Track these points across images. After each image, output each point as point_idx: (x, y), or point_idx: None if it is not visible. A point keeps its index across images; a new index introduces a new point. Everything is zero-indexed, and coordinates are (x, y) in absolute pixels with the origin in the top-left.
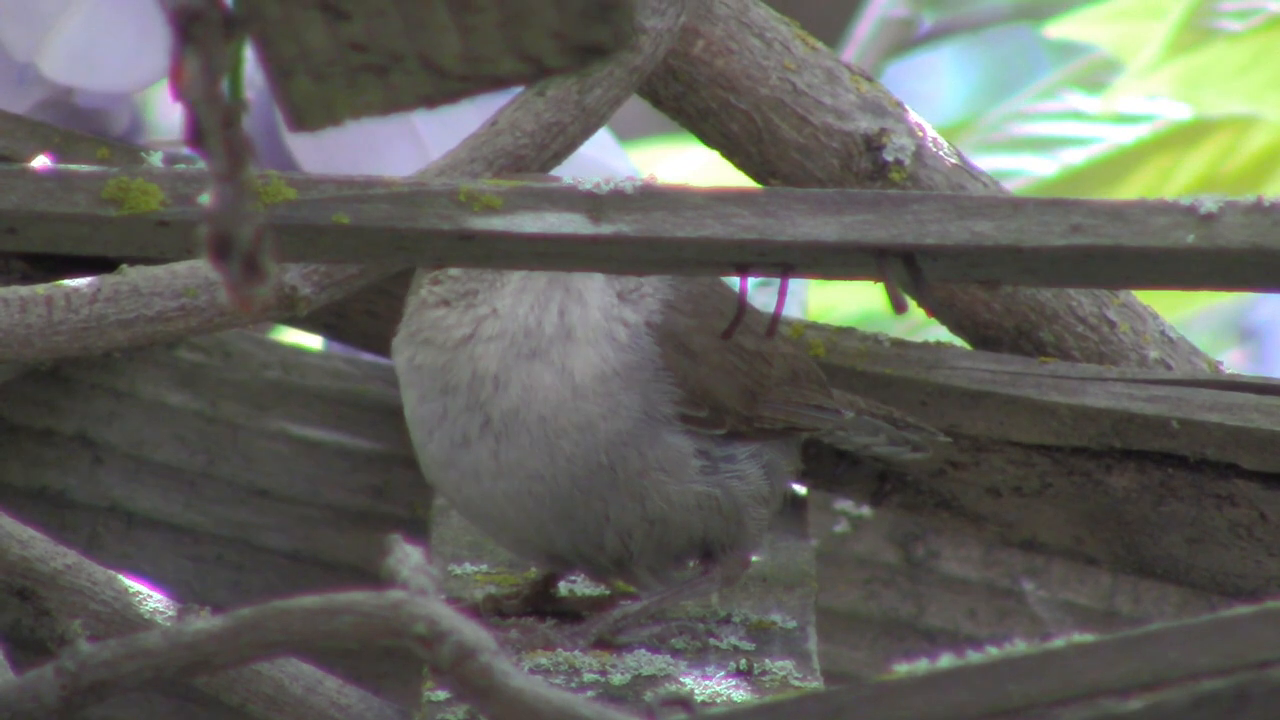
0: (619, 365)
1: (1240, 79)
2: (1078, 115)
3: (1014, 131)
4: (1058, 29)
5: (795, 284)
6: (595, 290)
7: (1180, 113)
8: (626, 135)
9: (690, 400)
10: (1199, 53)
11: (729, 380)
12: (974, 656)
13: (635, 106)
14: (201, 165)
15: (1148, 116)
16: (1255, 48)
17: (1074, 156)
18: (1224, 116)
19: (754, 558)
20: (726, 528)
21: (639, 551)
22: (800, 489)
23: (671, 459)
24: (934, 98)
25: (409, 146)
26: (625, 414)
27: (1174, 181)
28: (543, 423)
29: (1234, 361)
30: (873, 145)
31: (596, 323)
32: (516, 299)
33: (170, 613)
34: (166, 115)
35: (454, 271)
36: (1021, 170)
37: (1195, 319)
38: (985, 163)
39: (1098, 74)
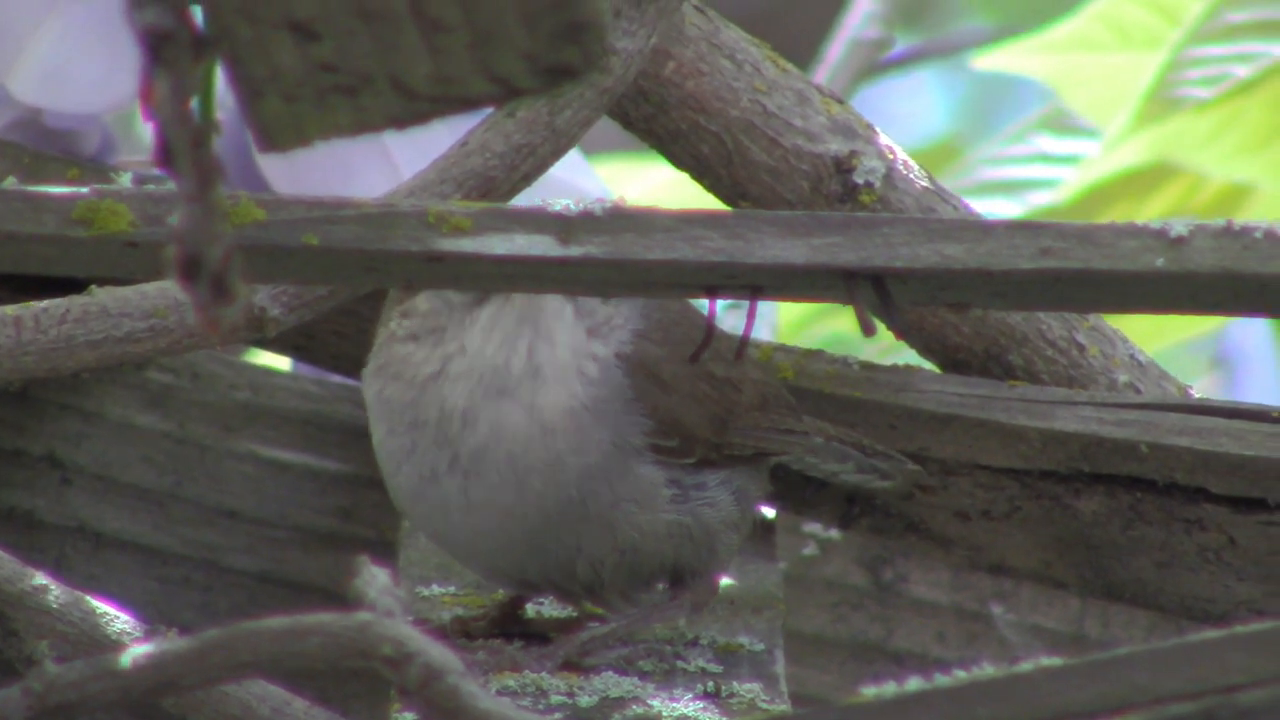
0: (588, 400)
1: (1210, 145)
2: (1045, 159)
3: (984, 176)
4: (989, 61)
5: (764, 306)
6: (565, 328)
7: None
8: (593, 149)
9: (661, 431)
10: (1168, 121)
11: (699, 409)
12: (942, 680)
13: (602, 123)
14: (171, 186)
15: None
16: (1223, 114)
17: (1042, 199)
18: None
19: (723, 580)
20: (698, 554)
21: (610, 579)
22: (769, 512)
23: (642, 490)
24: (909, 120)
25: (379, 168)
26: (595, 449)
27: (1142, 217)
28: (511, 460)
29: (1204, 387)
30: (843, 168)
31: (565, 361)
32: (485, 337)
33: (138, 634)
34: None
35: (423, 307)
36: (990, 214)
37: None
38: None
39: (1063, 116)
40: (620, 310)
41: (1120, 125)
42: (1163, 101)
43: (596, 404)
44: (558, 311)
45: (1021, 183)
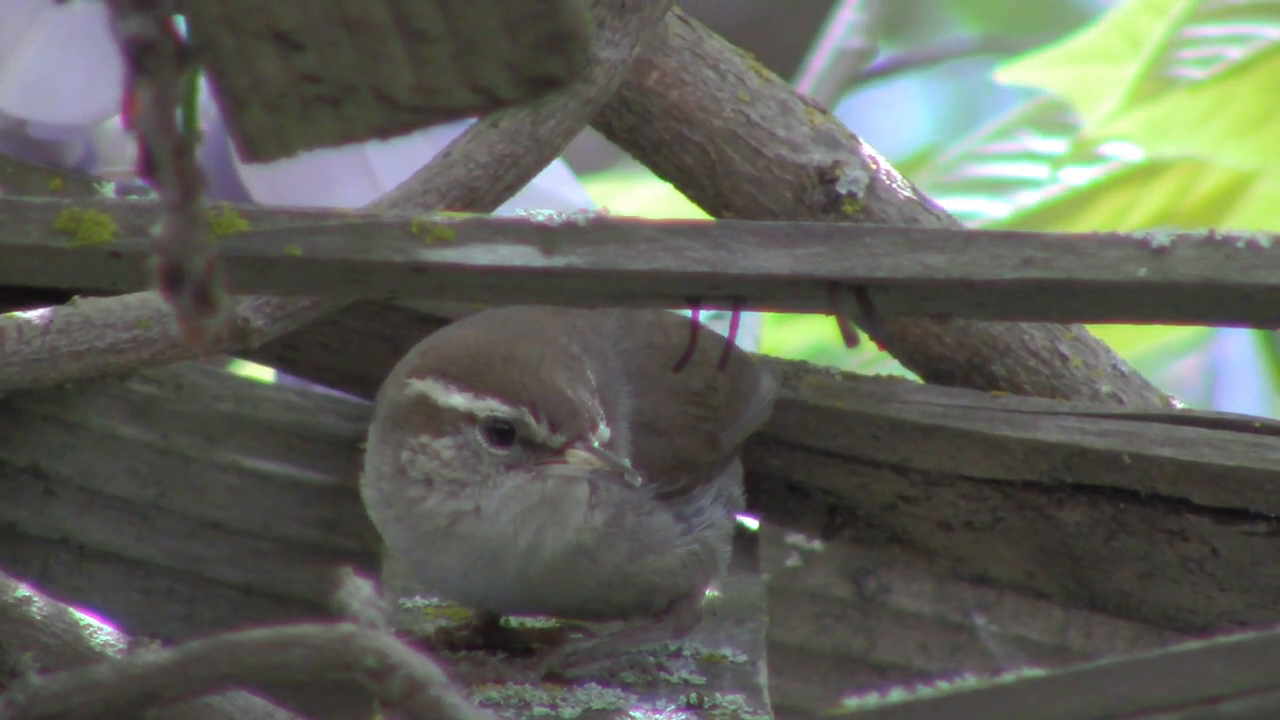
0: (592, 547)
1: (1202, 126)
2: (1032, 156)
3: (968, 173)
4: (1009, 74)
5: (747, 317)
6: (579, 511)
7: (1133, 154)
8: (581, 169)
9: (667, 479)
10: (1161, 101)
11: (695, 436)
12: (925, 691)
13: (591, 140)
14: (154, 196)
15: (1102, 158)
16: (1216, 95)
17: (1028, 198)
18: (1178, 157)
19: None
20: (705, 573)
21: (632, 613)
22: (751, 523)
23: (658, 540)
24: (894, 130)
25: (362, 178)
26: (610, 557)
27: (1128, 222)
28: (520, 587)
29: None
30: (826, 178)
31: (567, 542)
32: (503, 506)
33: (121, 645)
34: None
35: (446, 453)
36: (975, 212)
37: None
38: (940, 204)
39: (1051, 114)
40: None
41: (1113, 103)
42: (1156, 81)
43: (598, 549)
44: (579, 500)
45: (1007, 181)
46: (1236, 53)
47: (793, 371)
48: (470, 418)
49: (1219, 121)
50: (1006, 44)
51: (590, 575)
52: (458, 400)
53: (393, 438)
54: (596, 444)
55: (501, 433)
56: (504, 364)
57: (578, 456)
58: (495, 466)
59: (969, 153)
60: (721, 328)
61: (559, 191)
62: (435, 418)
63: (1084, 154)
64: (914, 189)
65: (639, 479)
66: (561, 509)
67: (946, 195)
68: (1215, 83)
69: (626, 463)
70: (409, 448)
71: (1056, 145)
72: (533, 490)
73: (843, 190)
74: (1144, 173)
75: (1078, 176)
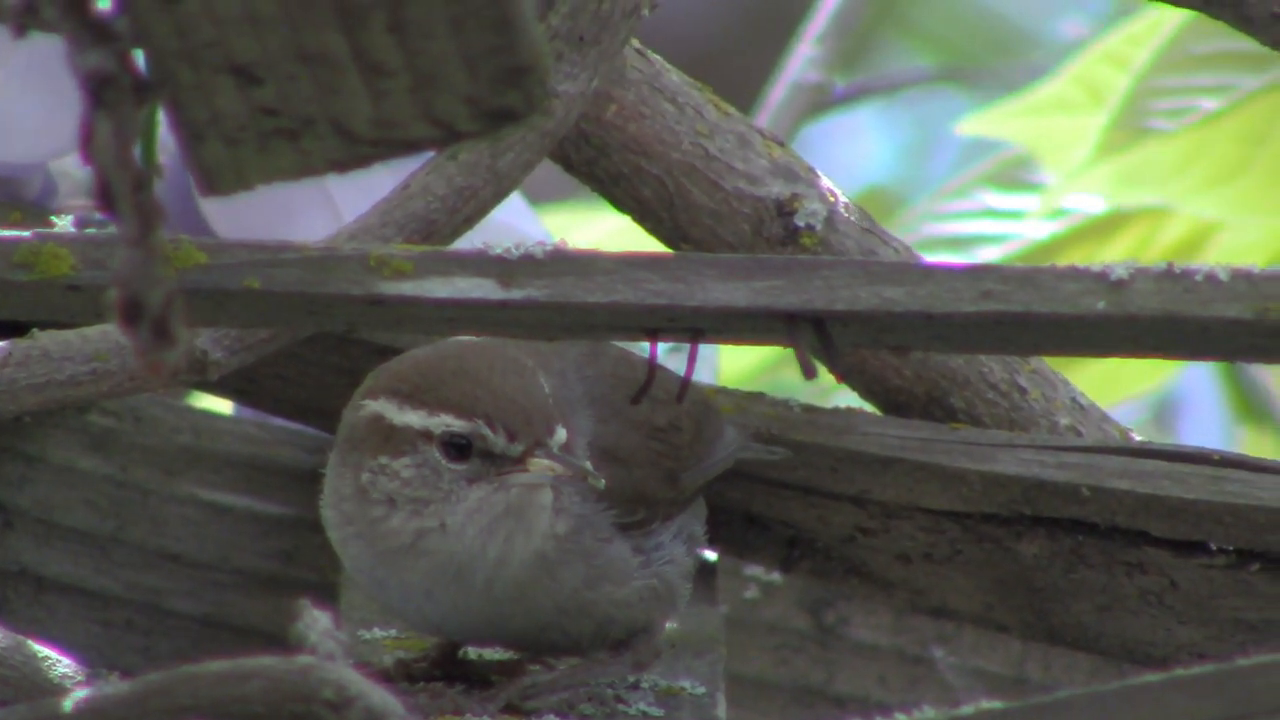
0: (544, 573)
1: (1174, 178)
2: (992, 213)
3: (927, 231)
4: (970, 126)
5: (705, 349)
6: (545, 516)
7: (1095, 206)
8: (539, 199)
9: (626, 510)
10: (1131, 152)
11: (655, 471)
12: None
13: (546, 171)
14: (113, 230)
15: (1062, 212)
16: (1188, 146)
17: (989, 254)
18: (1139, 209)
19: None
20: (663, 608)
21: (588, 647)
22: (710, 555)
23: (615, 570)
24: (852, 161)
25: (321, 211)
26: (569, 577)
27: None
28: (484, 613)
29: (1145, 430)
30: (784, 211)
31: (534, 549)
32: (469, 519)
33: (79, 678)
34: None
35: (406, 473)
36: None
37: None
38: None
39: (1010, 171)
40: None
41: (1082, 155)
42: (1127, 132)
43: (558, 563)
44: (544, 506)
45: (968, 239)
46: (1211, 104)
47: (749, 403)
48: (427, 435)
49: (1193, 173)
50: (962, 75)
51: (549, 596)
52: (412, 418)
53: (352, 460)
54: (555, 448)
55: (459, 447)
56: (455, 378)
57: (539, 464)
58: (456, 482)
59: (928, 211)
60: (680, 360)
61: (517, 224)
62: (392, 438)
63: (1054, 205)
64: (871, 222)
65: (602, 481)
66: (527, 517)
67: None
68: (1187, 133)
69: (588, 465)
70: (369, 469)
71: (1016, 201)
72: (497, 501)
73: (801, 223)
74: (1105, 225)
75: (1039, 230)
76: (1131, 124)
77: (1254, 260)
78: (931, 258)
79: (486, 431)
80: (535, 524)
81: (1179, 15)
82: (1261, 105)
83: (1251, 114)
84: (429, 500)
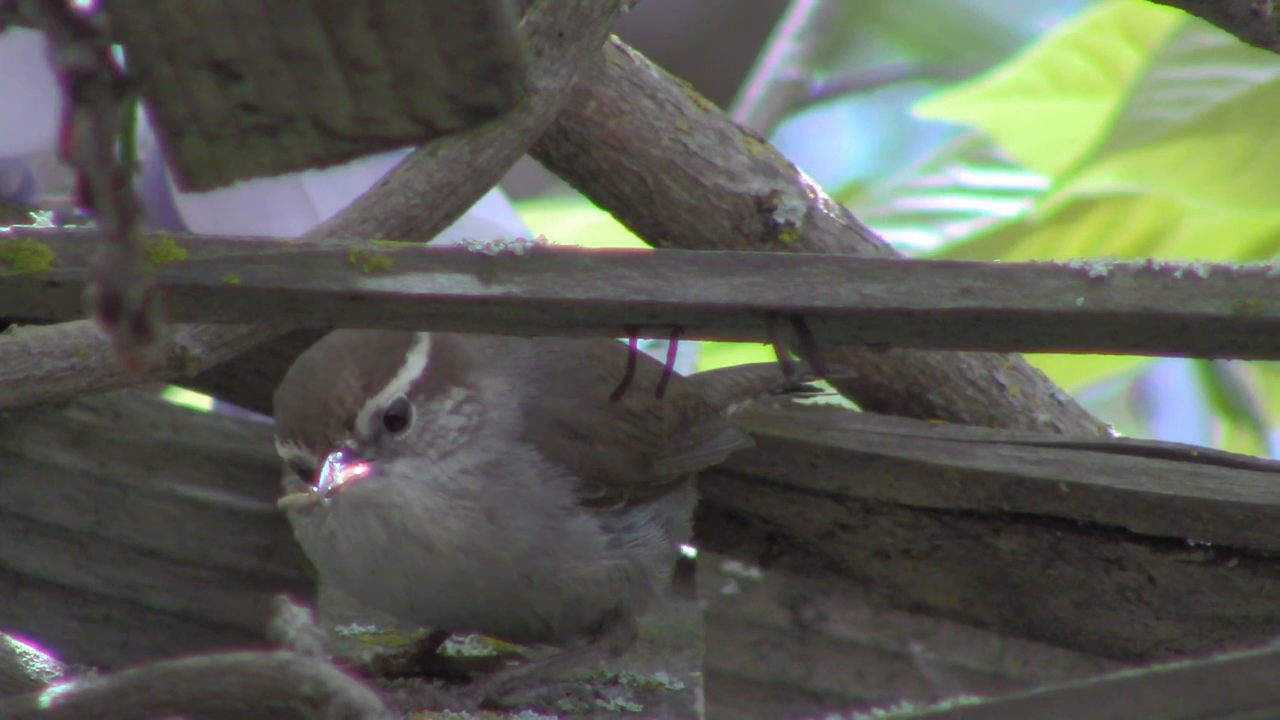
0: (480, 521)
1: (1180, 171)
2: (961, 190)
3: (898, 206)
4: (930, 109)
5: (685, 345)
6: (412, 486)
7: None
8: (518, 194)
9: (588, 484)
10: (1138, 142)
11: (623, 452)
12: (861, 719)
13: (525, 166)
14: (92, 225)
15: (1029, 191)
16: (1196, 139)
17: (958, 230)
18: (1107, 193)
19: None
20: (636, 593)
21: (559, 629)
22: (689, 550)
23: (579, 544)
24: (830, 157)
25: (299, 208)
26: (525, 536)
27: (1059, 255)
28: (444, 582)
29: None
30: (764, 207)
31: (430, 505)
32: (338, 519)
33: (57, 673)
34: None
35: (290, 489)
36: (905, 244)
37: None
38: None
39: (981, 149)
40: (494, 387)
41: (1087, 148)
42: (1133, 124)
43: (505, 507)
44: (363, 495)
45: (938, 214)
46: (1218, 95)
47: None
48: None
49: (1199, 165)
50: (940, 71)
51: (503, 547)
52: (278, 444)
53: None
54: (355, 437)
55: (293, 465)
56: (282, 396)
57: (322, 478)
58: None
59: (900, 186)
60: (662, 353)
61: (497, 221)
62: None
63: (1060, 197)
64: (851, 218)
65: (403, 464)
66: (365, 507)
67: (878, 228)
68: (1195, 125)
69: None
70: (289, 477)
71: (986, 178)
72: (341, 496)
73: (780, 219)
74: (1075, 206)
75: (1007, 209)
76: (1140, 114)
77: (1223, 245)
78: (901, 232)
79: (290, 449)
80: (387, 502)
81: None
82: (1268, 99)
83: (1258, 107)
84: (324, 507)
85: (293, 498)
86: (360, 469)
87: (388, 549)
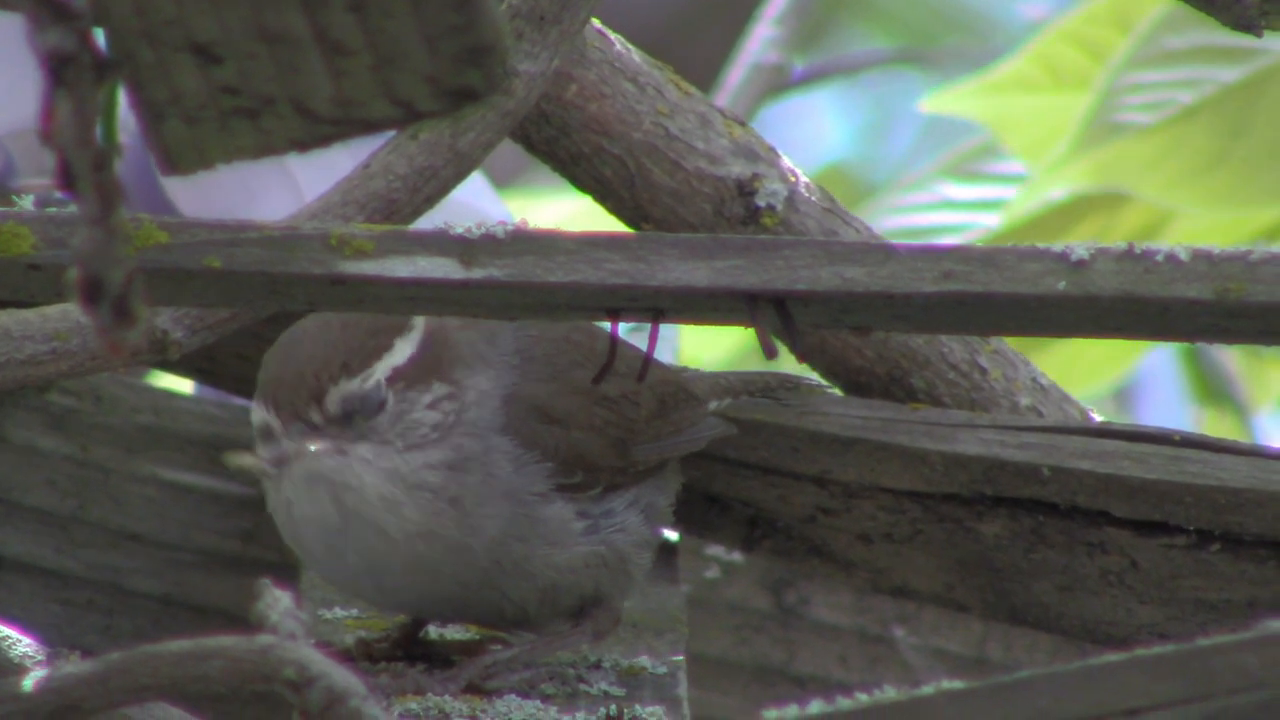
0: (442, 508)
1: (1151, 172)
2: (950, 205)
3: (886, 224)
4: (932, 103)
5: (667, 329)
6: (371, 472)
7: (1054, 195)
8: (500, 181)
9: (563, 470)
10: (1108, 146)
11: (599, 438)
12: (844, 703)
13: (505, 150)
14: (73, 209)
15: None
16: (1166, 140)
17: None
18: (1098, 195)
19: (625, 602)
20: (614, 579)
21: (536, 614)
22: (671, 535)
23: (554, 530)
24: (811, 141)
25: (282, 190)
26: (492, 523)
27: None
28: (407, 566)
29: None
30: (745, 190)
31: (385, 493)
32: (292, 488)
33: (40, 657)
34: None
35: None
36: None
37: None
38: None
39: (968, 163)
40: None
41: (1058, 151)
42: (1103, 127)
43: (463, 498)
44: (317, 473)
45: (927, 230)
46: (1187, 97)
47: None
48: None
49: (1169, 166)
50: (921, 56)
51: (471, 534)
52: (253, 409)
53: None
54: (318, 418)
55: (260, 431)
56: (275, 352)
57: (272, 448)
58: (273, 465)
59: (887, 205)
60: (642, 338)
61: (478, 204)
62: None
63: (1034, 200)
64: (833, 202)
65: (370, 447)
66: (320, 485)
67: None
68: (1165, 127)
69: (318, 445)
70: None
71: (974, 192)
72: (294, 477)
73: (762, 203)
74: (1062, 215)
75: (996, 222)
76: (1108, 118)
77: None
78: None
79: (260, 412)
80: (341, 482)
81: None
82: (1237, 99)
83: (1227, 108)
84: (276, 476)
85: (240, 456)
86: (316, 445)
87: (340, 528)
